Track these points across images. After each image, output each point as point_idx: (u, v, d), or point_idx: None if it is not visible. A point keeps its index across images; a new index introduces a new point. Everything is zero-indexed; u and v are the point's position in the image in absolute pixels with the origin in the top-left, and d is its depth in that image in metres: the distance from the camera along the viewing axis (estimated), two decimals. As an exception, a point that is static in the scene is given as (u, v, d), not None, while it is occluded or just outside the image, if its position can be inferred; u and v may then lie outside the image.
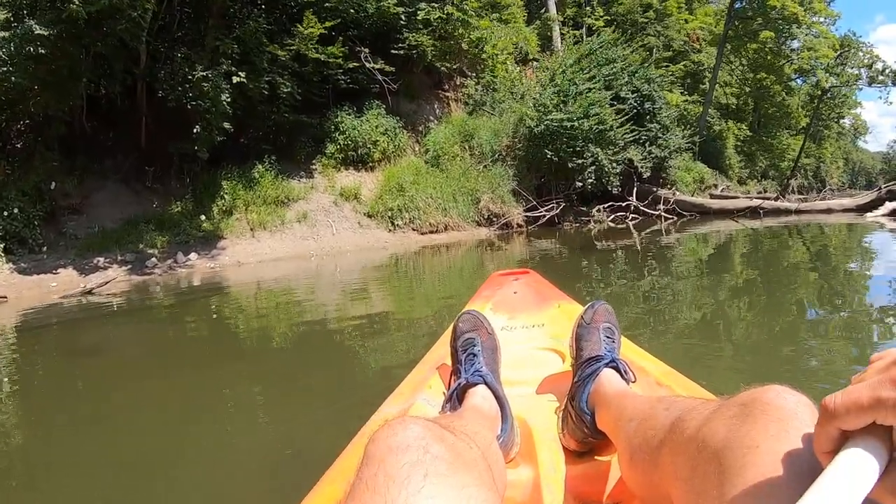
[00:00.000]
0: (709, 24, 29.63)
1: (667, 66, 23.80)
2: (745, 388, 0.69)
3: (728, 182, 25.44)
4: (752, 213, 16.44)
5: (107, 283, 8.56)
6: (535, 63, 19.19)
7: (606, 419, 1.12)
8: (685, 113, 24.21)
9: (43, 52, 9.24)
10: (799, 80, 32.48)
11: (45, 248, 10.26)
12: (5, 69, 9.48)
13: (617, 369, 1.26)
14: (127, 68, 11.19)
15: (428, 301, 6.51)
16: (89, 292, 8.16)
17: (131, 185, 11.90)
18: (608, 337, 1.35)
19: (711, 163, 24.48)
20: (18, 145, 11.26)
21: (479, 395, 1.25)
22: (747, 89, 31.44)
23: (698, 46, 29.21)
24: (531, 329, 1.98)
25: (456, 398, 1.28)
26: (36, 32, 8.92)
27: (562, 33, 22.09)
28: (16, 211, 10.02)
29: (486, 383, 1.27)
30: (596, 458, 1.22)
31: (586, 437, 1.19)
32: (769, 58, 28.74)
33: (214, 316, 6.72)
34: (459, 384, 1.29)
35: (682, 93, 25.66)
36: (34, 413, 3.40)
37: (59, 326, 6.49)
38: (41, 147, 10.97)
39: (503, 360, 1.49)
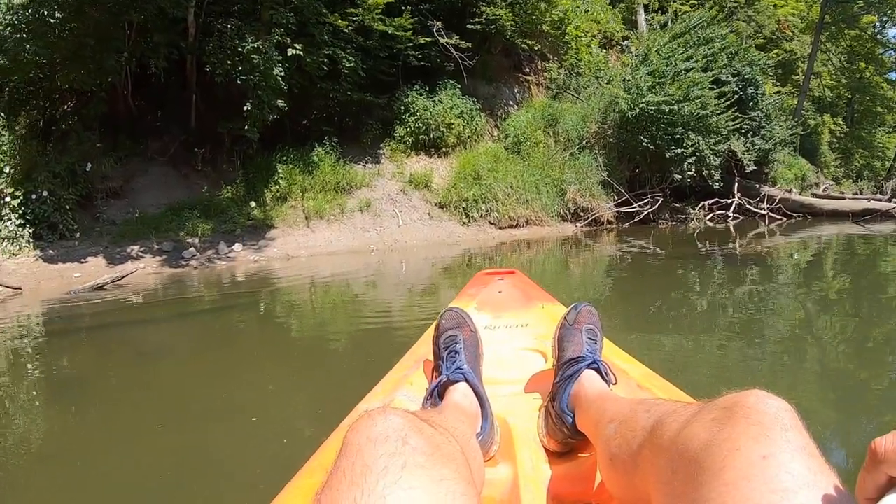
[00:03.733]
0: (800, 9, 26.28)
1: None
2: (726, 393, 0.66)
3: (829, 181, 22.21)
4: (884, 216, 13.58)
5: (123, 277, 6.77)
6: (626, 42, 16.75)
7: (587, 421, 1.07)
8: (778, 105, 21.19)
9: (60, 16, 7.60)
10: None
11: (77, 235, 8.70)
12: (19, 36, 7.89)
13: (598, 371, 1.20)
14: (172, 42, 9.49)
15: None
16: (100, 288, 6.36)
17: (179, 168, 10.21)
18: (590, 339, 1.29)
19: (807, 159, 21.39)
20: (64, 126, 9.70)
21: (460, 393, 1.18)
22: (843, 80, 27.79)
23: (790, 34, 25.93)
24: (514, 329, 1.88)
25: (437, 395, 1.21)
26: (51, -5, 7.26)
27: (646, 18, 19.55)
28: (45, 194, 8.45)
29: (467, 381, 1.21)
30: (575, 458, 1.15)
31: (566, 438, 1.14)
32: (869, 45, 25.25)
33: (267, 327, 4.96)
34: (440, 381, 1.22)
35: (773, 83, 22.60)
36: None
37: (49, 337, 4.69)
38: (78, 126, 9.38)
39: (485, 358, 1.42)
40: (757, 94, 15.39)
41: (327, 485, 0.57)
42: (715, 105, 13.04)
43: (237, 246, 8.89)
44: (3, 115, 8.92)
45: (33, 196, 8.41)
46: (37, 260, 8.07)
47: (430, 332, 1.52)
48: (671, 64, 13.03)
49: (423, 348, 1.59)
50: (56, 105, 10.03)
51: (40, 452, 2.43)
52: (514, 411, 1.33)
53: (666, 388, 1.27)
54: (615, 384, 1.21)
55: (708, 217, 13.84)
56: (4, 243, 8.15)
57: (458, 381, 1.21)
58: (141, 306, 5.72)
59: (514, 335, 1.83)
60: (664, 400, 0.89)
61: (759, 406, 0.60)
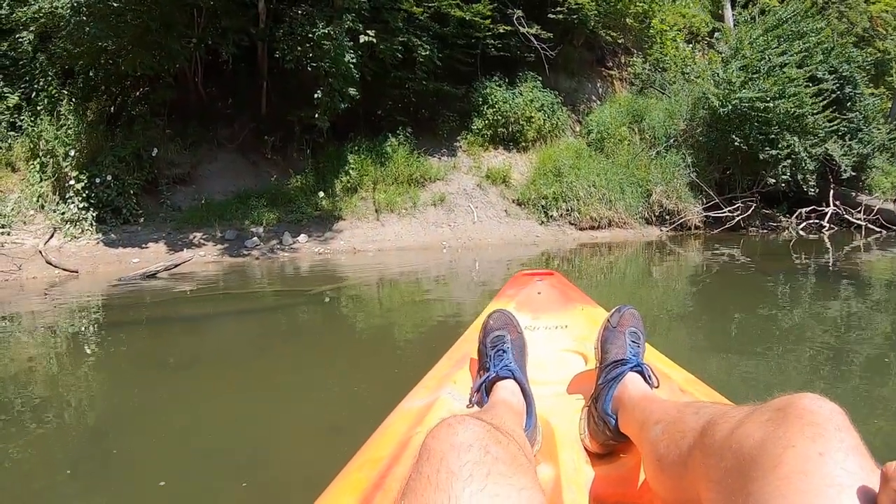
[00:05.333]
0: (894, 5, 23.91)
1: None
2: (778, 395, 0.65)
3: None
4: None
5: (176, 265, 6.07)
6: (717, 34, 15.32)
7: (630, 422, 1.05)
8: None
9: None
10: None
11: (141, 220, 8.17)
12: (78, 18, 7.38)
13: (641, 374, 1.17)
14: (242, 28, 8.82)
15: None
16: (152, 276, 5.64)
17: (248, 156, 9.55)
18: (633, 342, 1.24)
19: (899, 168, 19.17)
20: (134, 112, 9.16)
21: (508, 390, 1.16)
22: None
23: (883, 32, 23.63)
24: (554, 330, 1.80)
25: (484, 390, 1.20)
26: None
27: (733, 14, 18.04)
28: (109, 178, 7.93)
29: (514, 378, 1.19)
30: (617, 460, 1.12)
31: (609, 440, 1.11)
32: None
33: (328, 332, 4.11)
34: (489, 377, 1.20)
35: (866, 84, 20.49)
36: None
37: (80, 329, 3.94)
38: (145, 112, 8.90)
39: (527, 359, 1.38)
40: (855, 93, 13.70)
41: (409, 488, 0.56)
42: (812, 104, 11.54)
43: (302, 237, 8.12)
44: (73, 100, 8.47)
45: (97, 180, 7.92)
46: (98, 243, 7.59)
47: (471, 331, 1.60)
48: (765, 58, 11.61)
49: (465, 347, 1.55)
50: (128, 92, 9.55)
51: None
52: (556, 412, 1.29)
53: (708, 393, 1.24)
54: (658, 387, 1.17)
55: (801, 226, 12.29)
56: (67, 226, 7.70)
57: (506, 378, 1.18)
58: (189, 299, 4.95)
59: (554, 336, 1.76)
60: (711, 402, 0.88)
61: (812, 407, 0.60)
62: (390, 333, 3.83)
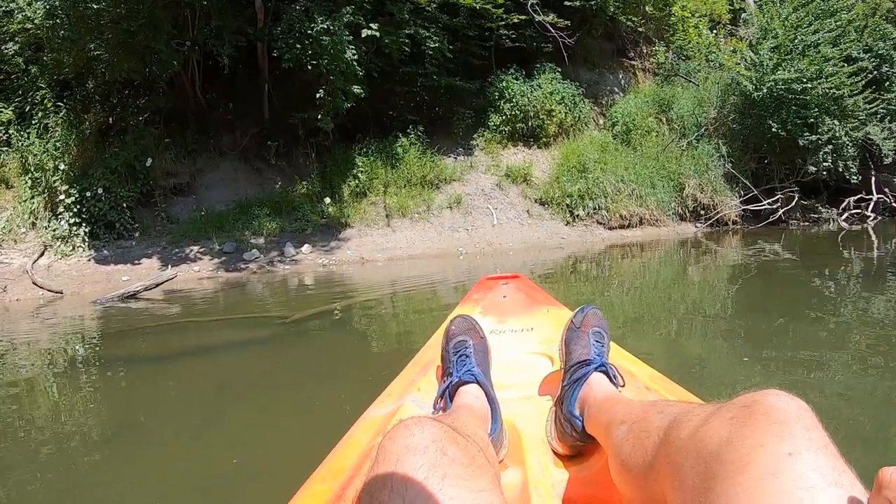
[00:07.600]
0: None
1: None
2: (742, 393, 0.62)
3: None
4: None
5: (158, 284, 5.38)
6: (744, 15, 14.41)
7: (596, 423, 1.00)
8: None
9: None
10: None
11: (136, 234, 7.52)
12: (53, 22, 6.91)
13: (606, 373, 1.13)
14: (239, 29, 8.10)
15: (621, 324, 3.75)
16: (132, 297, 4.94)
17: (251, 163, 8.86)
18: (597, 341, 1.20)
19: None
20: (131, 122, 8.53)
21: (472, 394, 1.12)
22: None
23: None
24: (520, 333, 1.76)
25: (448, 396, 1.15)
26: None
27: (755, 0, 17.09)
28: (100, 191, 7.29)
29: (478, 382, 1.14)
30: (585, 461, 1.08)
31: (575, 441, 1.07)
32: None
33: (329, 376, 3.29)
34: (452, 382, 1.15)
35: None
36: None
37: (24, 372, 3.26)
38: (138, 121, 8.26)
39: (492, 363, 1.33)
40: (892, 72, 12.63)
41: (366, 491, 0.54)
42: (851, 84, 10.57)
43: (306, 247, 7.38)
44: (70, 113, 7.90)
45: (88, 193, 7.29)
46: (90, 261, 7.00)
47: (435, 338, 1.51)
48: (797, 37, 10.66)
49: (429, 354, 1.48)
50: (126, 101, 8.93)
51: None
52: (523, 415, 1.25)
53: (673, 390, 1.19)
54: (623, 386, 1.13)
55: (842, 217, 11.31)
56: (58, 243, 7.08)
57: (469, 383, 1.14)
58: (163, 329, 4.19)
59: (520, 339, 1.69)
60: (676, 401, 0.87)
61: (779, 404, 0.57)
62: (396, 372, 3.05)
